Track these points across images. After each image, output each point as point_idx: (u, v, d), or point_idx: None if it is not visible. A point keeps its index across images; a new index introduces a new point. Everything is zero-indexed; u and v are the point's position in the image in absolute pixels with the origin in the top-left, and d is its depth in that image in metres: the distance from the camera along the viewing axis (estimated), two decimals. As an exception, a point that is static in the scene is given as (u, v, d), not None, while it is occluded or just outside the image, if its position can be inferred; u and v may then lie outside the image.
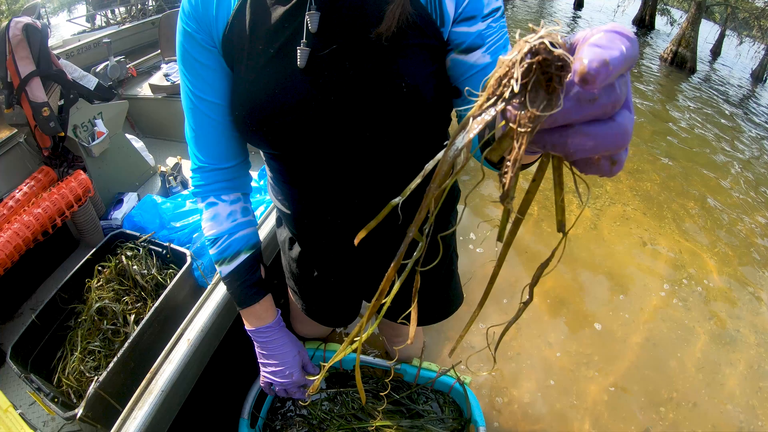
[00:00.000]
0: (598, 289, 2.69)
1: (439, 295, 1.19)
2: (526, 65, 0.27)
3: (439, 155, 0.33)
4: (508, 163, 0.30)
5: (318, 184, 0.83)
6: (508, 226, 0.36)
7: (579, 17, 13.94)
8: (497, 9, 0.69)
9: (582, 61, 0.26)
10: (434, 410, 1.40)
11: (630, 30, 0.28)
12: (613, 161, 0.30)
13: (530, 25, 0.29)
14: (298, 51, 0.67)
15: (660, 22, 14.83)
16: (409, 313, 1.24)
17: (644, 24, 14.37)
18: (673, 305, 2.66)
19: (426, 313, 1.23)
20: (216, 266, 0.89)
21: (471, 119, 0.31)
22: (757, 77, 11.94)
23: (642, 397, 2.06)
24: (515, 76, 0.28)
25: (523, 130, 0.28)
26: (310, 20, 0.66)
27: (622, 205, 3.58)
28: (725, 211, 3.88)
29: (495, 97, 0.29)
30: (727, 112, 7.55)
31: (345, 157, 0.76)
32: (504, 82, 0.29)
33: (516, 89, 0.28)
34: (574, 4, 15.80)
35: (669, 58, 10.04)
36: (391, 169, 0.80)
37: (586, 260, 2.90)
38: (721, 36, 13.67)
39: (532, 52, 0.27)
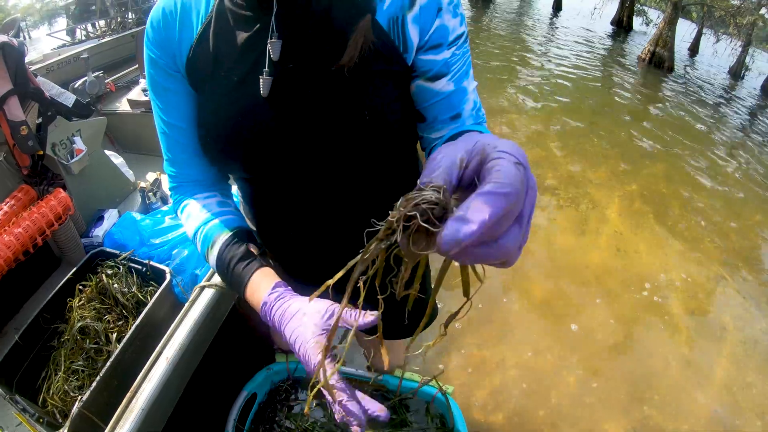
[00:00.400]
0: (578, 292, 2.73)
1: (412, 310, 1.22)
2: (405, 224, 0.36)
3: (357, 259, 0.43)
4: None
5: (284, 207, 0.84)
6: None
7: (557, 18, 14.09)
8: (461, 35, 0.71)
9: (441, 237, 0.32)
10: (417, 420, 1.41)
11: (514, 175, 0.32)
12: (501, 263, 0.35)
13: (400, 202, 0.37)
14: (261, 80, 0.68)
15: (637, 23, 15.06)
16: (387, 328, 1.26)
17: (622, 25, 14.60)
18: (654, 303, 2.71)
19: (398, 327, 1.26)
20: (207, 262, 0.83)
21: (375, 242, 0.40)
22: (734, 74, 12.17)
23: (625, 396, 2.10)
24: (399, 228, 0.36)
25: (408, 260, 0.39)
26: (272, 49, 0.67)
27: (601, 208, 3.64)
28: (705, 210, 3.95)
29: (390, 233, 0.38)
30: (705, 108, 7.69)
31: (310, 182, 0.77)
32: (394, 226, 0.37)
33: (399, 238, 0.36)
34: (552, 7, 16.00)
35: (647, 58, 10.21)
36: (357, 192, 0.82)
37: (568, 264, 2.94)
38: (699, 34, 13.92)
39: (409, 216, 0.35)
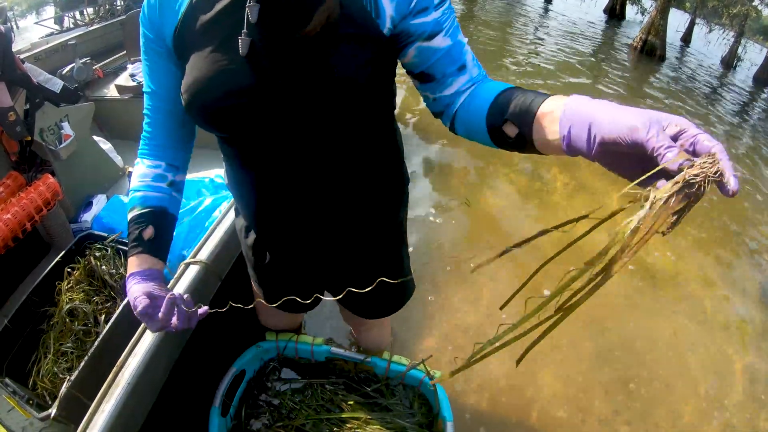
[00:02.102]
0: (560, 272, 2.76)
1: (390, 286, 1.24)
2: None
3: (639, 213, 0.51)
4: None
5: (265, 167, 0.88)
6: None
7: (550, 5, 14.06)
8: None
9: (732, 185, 0.47)
10: (403, 404, 1.43)
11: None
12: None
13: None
14: (240, 40, 0.73)
15: (631, 11, 15.05)
16: (367, 305, 1.29)
17: (615, 14, 14.57)
18: (636, 286, 2.75)
19: (380, 304, 1.29)
20: None
21: (671, 193, 0.49)
22: (727, 64, 12.21)
23: (612, 380, 2.13)
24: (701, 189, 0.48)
25: (694, 202, 0.49)
26: (251, 12, 0.72)
27: (590, 193, 3.67)
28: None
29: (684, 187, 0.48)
30: (695, 96, 7.73)
31: (288, 140, 0.82)
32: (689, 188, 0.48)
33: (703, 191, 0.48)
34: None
35: (639, 46, 10.23)
36: (336, 152, 0.87)
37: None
38: (691, 24, 13.94)
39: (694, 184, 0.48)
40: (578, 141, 0.57)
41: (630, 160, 0.54)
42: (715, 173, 0.46)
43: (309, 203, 0.92)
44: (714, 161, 0.47)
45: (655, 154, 0.49)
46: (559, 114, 0.59)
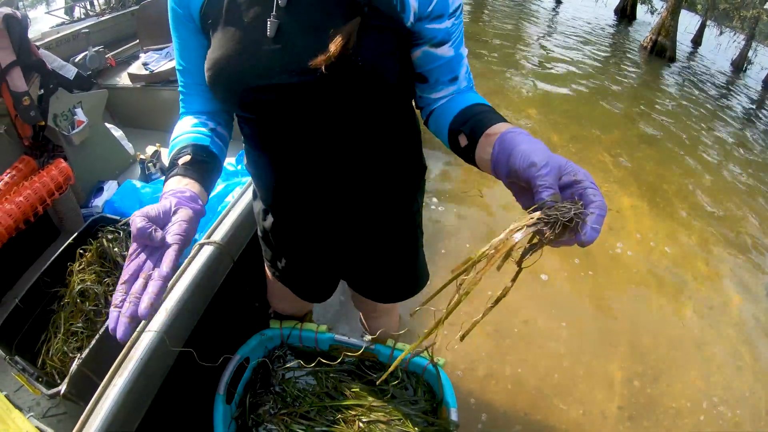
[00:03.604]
0: (564, 261, 2.77)
1: (405, 272, 1.27)
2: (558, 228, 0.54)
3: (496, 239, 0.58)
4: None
5: (284, 148, 0.90)
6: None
7: (560, 5, 13.98)
8: (459, 7, 0.81)
9: (585, 236, 0.53)
10: (407, 391, 1.45)
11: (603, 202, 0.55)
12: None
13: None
14: (268, 22, 0.75)
15: (641, 12, 14.95)
16: (379, 290, 1.31)
17: (626, 14, 14.48)
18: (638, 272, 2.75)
19: (392, 290, 1.30)
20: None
21: (522, 226, 0.56)
22: (737, 66, 12.12)
23: (616, 375, 2.14)
24: (558, 223, 0.54)
25: (547, 244, 0.55)
26: None
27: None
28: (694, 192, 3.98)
29: (537, 223, 0.55)
30: (705, 98, 7.68)
31: (309, 123, 0.84)
32: (539, 226, 0.55)
33: (548, 234, 0.54)
34: (555, -2, 15.75)
35: (649, 46, 10.17)
36: (356, 137, 0.89)
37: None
38: (702, 26, 13.84)
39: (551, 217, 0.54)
40: (498, 165, 0.66)
41: (530, 197, 0.60)
42: (569, 220, 0.53)
43: (327, 186, 0.94)
44: (577, 210, 0.54)
45: (534, 191, 0.57)
46: (496, 138, 0.68)
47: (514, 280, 0.61)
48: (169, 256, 0.65)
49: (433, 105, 0.89)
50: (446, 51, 0.82)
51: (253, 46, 0.77)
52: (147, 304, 0.61)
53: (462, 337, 0.66)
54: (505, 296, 0.62)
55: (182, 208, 0.71)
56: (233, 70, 0.78)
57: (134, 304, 0.61)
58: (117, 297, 0.63)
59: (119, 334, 0.61)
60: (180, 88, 0.94)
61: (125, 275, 0.64)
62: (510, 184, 0.66)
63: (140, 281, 0.63)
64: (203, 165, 0.84)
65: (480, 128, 0.74)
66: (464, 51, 0.86)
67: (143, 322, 1.08)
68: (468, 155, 0.78)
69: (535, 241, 0.56)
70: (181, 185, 0.77)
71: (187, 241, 0.69)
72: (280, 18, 0.76)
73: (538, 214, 0.55)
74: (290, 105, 0.80)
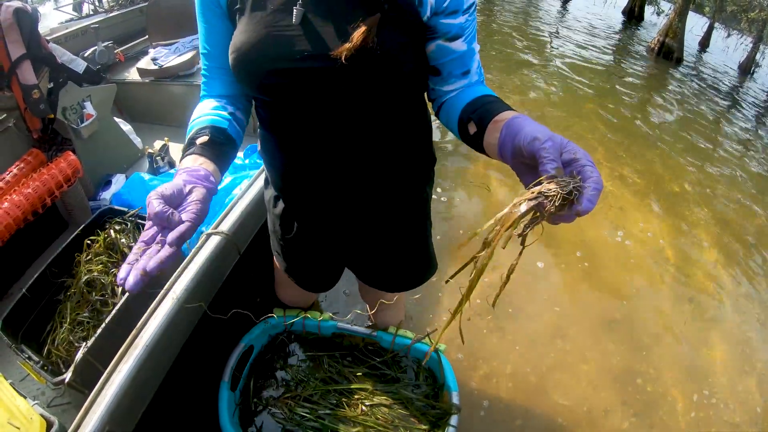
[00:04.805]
0: (568, 258, 2.77)
1: (413, 261, 1.28)
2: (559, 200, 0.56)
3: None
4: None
5: (301, 134, 0.92)
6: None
7: (567, 6, 13.94)
8: (473, 4, 0.84)
9: (581, 206, 0.56)
10: (409, 376, 1.46)
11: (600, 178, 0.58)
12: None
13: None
14: (295, 10, 0.79)
15: (649, 13, 14.87)
16: (388, 278, 1.32)
17: (633, 15, 14.41)
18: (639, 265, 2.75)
19: (400, 278, 1.31)
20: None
21: (525, 200, 0.59)
22: (744, 69, 12.04)
23: (620, 373, 2.14)
24: (548, 205, 0.56)
25: (547, 220, 0.58)
26: None
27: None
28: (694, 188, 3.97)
29: (538, 197, 0.57)
30: (712, 101, 7.65)
31: (325, 109, 0.87)
32: (541, 199, 0.57)
33: (549, 207, 0.56)
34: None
35: (656, 48, 10.11)
36: (369, 125, 0.91)
37: (563, 237, 2.97)
38: (710, 28, 13.75)
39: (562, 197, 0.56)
40: (503, 146, 0.69)
41: (534, 175, 0.62)
42: (568, 193, 0.56)
43: (338, 172, 0.97)
44: (576, 184, 0.56)
45: (539, 161, 0.59)
46: (504, 123, 0.71)
47: (520, 254, 0.63)
48: (185, 229, 0.71)
49: (444, 97, 0.92)
50: (459, 45, 0.86)
51: (278, 32, 0.80)
52: (155, 264, 0.67)
53: (493, 303, 0.73)
54: (512, 273, 0.66)
55: (197, 188, 0.76)
56: (258, 53, 0.81)
57: (146, 260, 0.68)
58: (131, 257, 0.69)
59: (129, 284, 0.66)
60: (203, 72, 0.97)
61: (143, 238, 0.71)
62: (515, 165, 0.69)
63: (155, 247, 0.70)
64: (220, 147, 0.88)
65: (488, 116, 0.77)
66: (476, 46, 0.89)
67: (149, 309, 1.10)
68: (476, 142, 0.81)
69: (537, 215, 0.58)
70: (196, 164, 0.81)
71: (200, 219, 0.75)
72: (306, 6, 0.79)
73: (539, 188, 0.57)
74: (309, 89, 0.83)
